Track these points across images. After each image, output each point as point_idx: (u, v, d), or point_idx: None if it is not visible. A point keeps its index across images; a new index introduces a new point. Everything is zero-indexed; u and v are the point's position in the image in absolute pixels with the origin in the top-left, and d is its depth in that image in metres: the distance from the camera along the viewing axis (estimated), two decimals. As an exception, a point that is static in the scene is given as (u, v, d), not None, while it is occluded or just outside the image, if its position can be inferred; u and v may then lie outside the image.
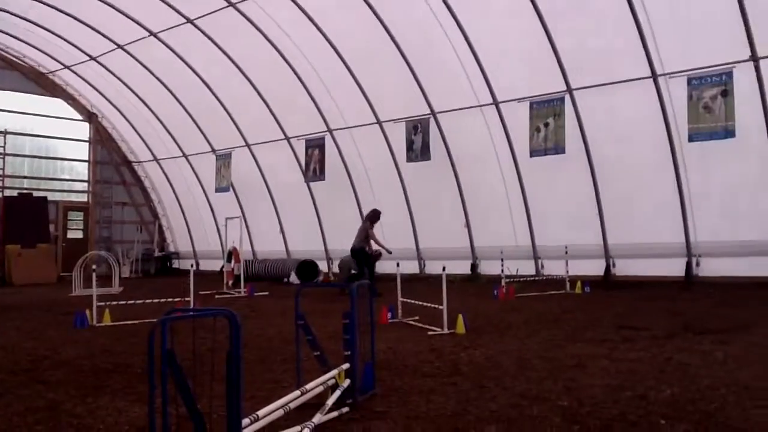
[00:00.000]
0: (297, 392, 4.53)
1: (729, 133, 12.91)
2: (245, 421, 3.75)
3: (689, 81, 13.34)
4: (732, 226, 13.60)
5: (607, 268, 15.32)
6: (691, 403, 4.93)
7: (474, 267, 17.49)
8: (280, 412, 4.32)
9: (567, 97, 15.02)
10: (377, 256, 14.80)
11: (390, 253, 14.31)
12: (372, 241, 14.36)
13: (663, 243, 14.44)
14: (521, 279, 14.89)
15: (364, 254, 14.22)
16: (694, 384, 5.51)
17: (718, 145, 13.23)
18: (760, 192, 13.30)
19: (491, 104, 16.27)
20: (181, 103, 22.14)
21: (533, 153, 15.54)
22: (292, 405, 4.50)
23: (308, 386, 4.70)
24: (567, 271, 14.06)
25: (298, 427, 4.33)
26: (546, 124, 15.20)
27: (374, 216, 14.72)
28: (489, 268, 16.85)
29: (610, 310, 10.71)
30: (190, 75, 20.73)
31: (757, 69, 12.70)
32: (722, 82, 12.92)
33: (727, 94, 12.89)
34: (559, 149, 15.07)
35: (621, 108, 14.57)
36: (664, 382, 5.60)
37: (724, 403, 4.90)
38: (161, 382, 3.63)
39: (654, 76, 13.80)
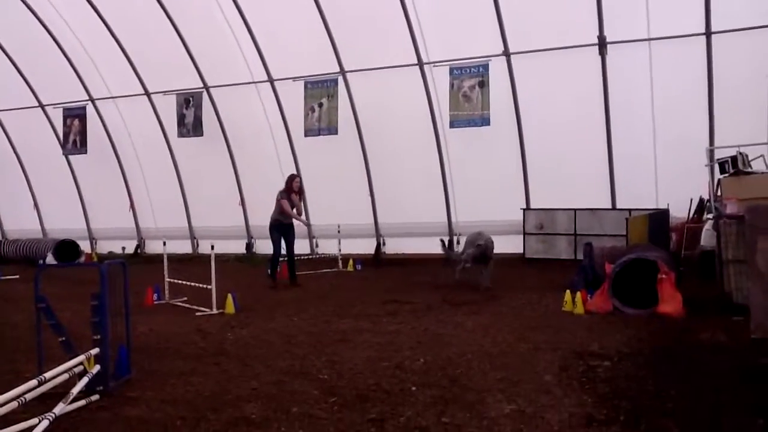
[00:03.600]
0: (34, 382, 4.12)
1: (485, 120, 14.03)
2: (-36, 418, 3.32)
3: (451, 71, 14.25)
4: (486, 207, 14.77)
5: (378, 247, 15.95)
6: (440, 369, 5.28)
7: (249, 246, 17.28)
8: (14, 405, 3.90)
9: (340, 79, 15.31)
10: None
11: (308, 225, 11.94)
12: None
13: (428, 222, 15.30)
14: (296, 257, 14.95)
15: (272, 228, 11.58)
16: (444, 352, 5.91)
17: (475, 132, 14.32)
18: (510, 175, 14.61)
19: (266, 81, 16.07)
20: None
21: (307, 133, 15.64)
22: (29, 396, 4.10)
23: (48, 374, 4.29)
24: (339, 250, 14.40)
25: (36, 419, 3.95)
26: (320, 105, 15.38)
27: (286, 182, 11.76)
28: (265, 247, 16.71)
29: (378, 286, 11.16)
30: None
31: (509, 63, 13.92)
32: (480, 73, 13.98)
33: (483, 84, 13.98)
34: (332, 130, 15.32)
35: (392, 92, 15.09)
36: (418, 352, 5.94)
37: (469, 368, 5.31)
38: None
39: (420, 63, 14.54)
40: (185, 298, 9.77)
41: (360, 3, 14.59)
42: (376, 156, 15.65)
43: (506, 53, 13.84)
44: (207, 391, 4.84)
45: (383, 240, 15.98)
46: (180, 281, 9.97)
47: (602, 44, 13.18)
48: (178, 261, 14.22)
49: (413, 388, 4.72)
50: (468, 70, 14.14)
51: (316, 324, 7.63)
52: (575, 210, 13.86)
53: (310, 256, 15.56)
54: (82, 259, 17.55)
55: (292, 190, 11.60)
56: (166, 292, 10.00)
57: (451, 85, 14.23)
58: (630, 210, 12.76)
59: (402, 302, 9.13)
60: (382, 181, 15.72)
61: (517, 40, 13.76)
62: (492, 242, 10.56)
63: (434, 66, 14.55)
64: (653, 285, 7.51)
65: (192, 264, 14.90)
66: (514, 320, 7.48)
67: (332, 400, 4.51)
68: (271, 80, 16.01)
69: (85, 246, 18.45)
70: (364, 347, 6.25)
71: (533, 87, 13.96)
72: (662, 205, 12.61)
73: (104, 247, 19.21)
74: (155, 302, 9.65)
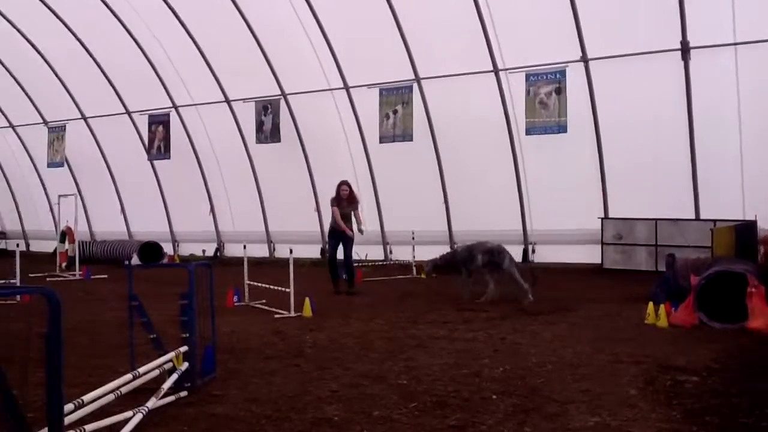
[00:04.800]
0: (129, 376, 4.30)
1: (561, 128, 13.81)
2: (68, 406, 3.50)
3: (527, 77, 14.10)
4: (562, 216, 14.55)
5: (452, 254, 15.89)
6: (520, 378, 5.23)
7: (324, 251, 17.51)
8: (111, 397, 4.09)
9: (415, 86, 15.38)
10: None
11: (361, 233, 11.77)
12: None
13: (503, 230, 15.08)
14: (370, 263, 15.11)
15: (329, 235, 11.77)
16: (523, 361, 5.84)
17: (551, 139, 14.11)
18: (587, 184, 14.34)
19: (342, 88, 16.31)
20: (6, 68, 20.25)
21: (382, 139, 15.78)
22: (124, 389, 4.28)
23: (141, 370, 4.47)
24: (414, 257, 14.43)
25: (131, 412, 4.12)
26: (395, 111, 15.48)
27: (336, 189, 11.60)
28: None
29: (452, 294, 11.08)
30: (17, 38, 18.98)
31: (587, 69, 13.67)
32: (556, 79, 13.78)
33: (560, 91, 13.77)
34: (406, 136, 15.41)
35: (466, 99, 15.11)
36: (497, 360, 5.90)
37: (549, 378, 5.24)
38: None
39: (495, 70, 14.45)
40: (264, 301, 10.00)
41: (435, 9, 14.64)
42: (450, 163, 15.64)
43: (584, 59, 13.62)
44: (289, 392, 4.93)
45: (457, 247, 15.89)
46: (259, 284, 10.21)
47: (685, 50, 12.78)
48: (255, 264, 14.51)
49: (493, 397, 4.69)
50: (545, 77, 13.98)
51: (391, 329, 7.67)
52: (656, 220, 13.48)
53: (384, 263, 15.67)
54: (165, 260, 18.20)
55: (341, 198, 11.46)
56: (246, 294, 10.26)
57: (527, 92, 14.08)
58: (715, 221, 12.31)
59: (477, 310, 9.08)
60: (456, 188, 15.70)
61: (596, 46, 13.52)
62: (469, 253, 10.24)
63: (510, 72, 14.45)
64: (741, 299, 7.22)
65: (269, 267, 15.20)
66: (594, 332, 7.32)
67: (412, 405, 4.52)
68: (346, 87, 16.24)
69: (167, 248, 19.14)
70: (441, 354, 6.25)
71: (612, 93, 13.71)
72: (749, 216, 12.10)
73: (186, 249, 19.85)
74: (235, 304, 9.91)
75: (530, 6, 13.87)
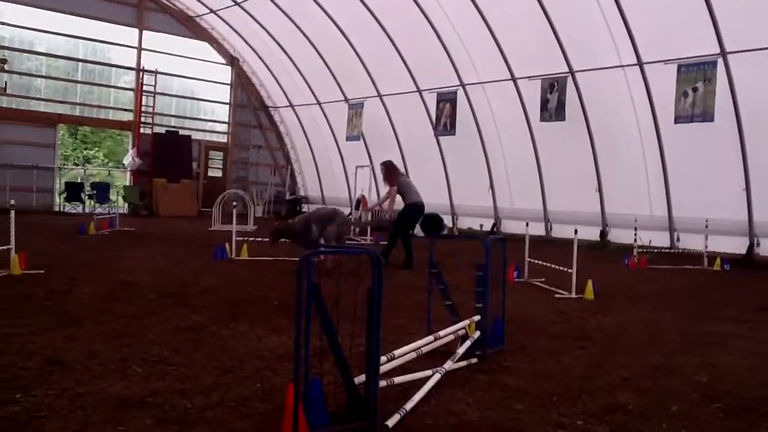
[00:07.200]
0: (430, 337, 4.64)
1: None
2: (383, 358, 3.90)
3: None
4: None
5: (750, 247, 14.35)
6: None
7: (603, 234, 16.94)
8: (413, 355, 4.46)
9: (720, 61, 13.97)
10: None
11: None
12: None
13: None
14: (654, 250, 14.31)
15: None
16: None
17: None
18: None
19: (635, 65, 15.40)
20: (318, 52, 22.59)
21: (678, 119, 14.63)
22: (424, 349, 4.63)
23: (441, 333, 4.79)
24: (706, 246, 13.33)
25: (430, 371, 4.45)
26: (695, 89, 14.24)
27: None
28: (618, 235, 16.31)
29: (750, 290, 10.15)
30: (329, 24, 21.04)
31: None
32: None
33: None
34: (707, 116, 14.07)
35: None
36: (815, 369, 5.28)
37: None
38: (305, 315, 3.76)
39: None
40: (543, 279, 10.02)
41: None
42: (757, 146, 13.98)
43: None
44: (577, 373, 4.93)
45: (757, 240, 14.33)
46: (539, 261, 10.24)
47: None
48: (531, 242, 14.59)
49: (815, 408, 4.22)
50: None
51: (682, 322, 7.23)
52: None
53: (670, 251, 14.71)
54: (445, 232, 19.05)
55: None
56: (526, 271, 10.36)
57: None
58: None
59: (782, 311, 8.16)
60: (761, 174, 14.04)
61: None
62: (306, 223, 9.92)
63: None
64: None
65: (544, 246, 15.15)
66: None
67: (715, 405, 4.24)
68: (640, 63, 15.33)
69: (447, 220, 19.99)
70: (743, 354, 5.75)
71: None
72: None
73: (463, 223, 20.55)
74: (515, 280, 10.06)
75: None
